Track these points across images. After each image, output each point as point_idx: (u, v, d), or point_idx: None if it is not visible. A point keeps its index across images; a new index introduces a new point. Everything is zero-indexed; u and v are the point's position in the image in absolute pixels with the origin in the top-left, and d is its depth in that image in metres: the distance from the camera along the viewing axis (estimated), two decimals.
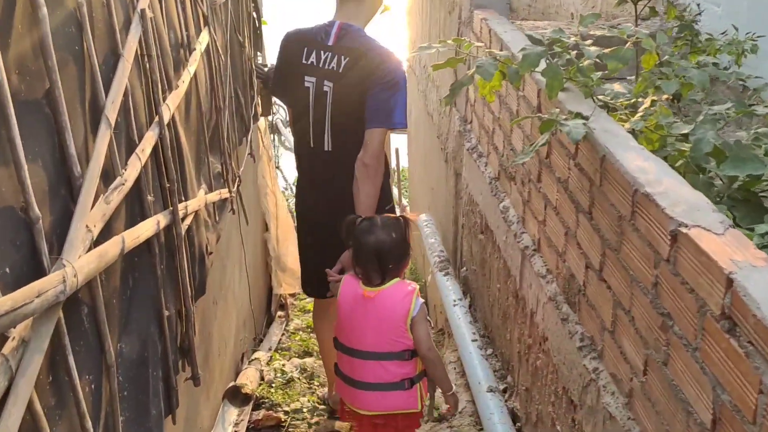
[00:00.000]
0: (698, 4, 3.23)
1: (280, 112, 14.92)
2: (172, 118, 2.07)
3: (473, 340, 3.18)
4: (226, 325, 3.63)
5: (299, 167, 3.27)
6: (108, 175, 1.53)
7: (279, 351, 4.67)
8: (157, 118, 1.84)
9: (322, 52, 2.96)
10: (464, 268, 3.86)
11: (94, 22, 1.53)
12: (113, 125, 1.50)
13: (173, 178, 1.96)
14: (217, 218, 2.83)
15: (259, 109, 5.07)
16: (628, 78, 2.63)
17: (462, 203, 3.79)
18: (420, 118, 5.53)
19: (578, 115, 1.88)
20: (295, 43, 3.06)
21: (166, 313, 1.89)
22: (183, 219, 2.11)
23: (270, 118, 5.60)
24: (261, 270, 5.23)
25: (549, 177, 2.30)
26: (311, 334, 5.21)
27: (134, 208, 1.73)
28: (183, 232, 2.07)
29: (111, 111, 1.49)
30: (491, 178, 3.09)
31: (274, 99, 4.99)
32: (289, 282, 5.22)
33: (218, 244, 3.44)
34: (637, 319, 1.62)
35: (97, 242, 1.39)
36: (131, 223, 1.67)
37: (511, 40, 2.80)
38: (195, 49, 2.52)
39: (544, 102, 2.31)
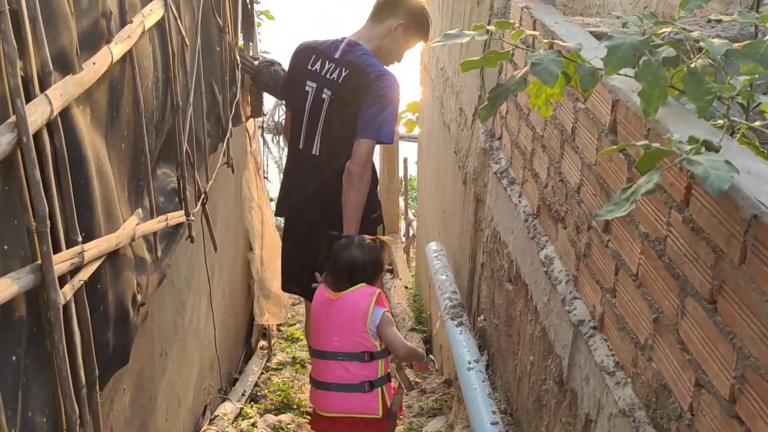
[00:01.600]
0: None
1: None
2: (66, 116, 1.35)
3: (493, 423, 2.44)
4: (183, 377, 2.91)
5: (286, 167, 3.39)
6: None
7: (252, 401, 3.93)
8: (12, 119, 1.12)
9: (327, 62, 3.09)
10: (482, 317, 3.13)
11: None
12: None
13: (43, 213, 1.23)
14: (159, 252, 2.11)
15: (246, 110, 4.35)
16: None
17: (483, 237, 3.06)
18: (434, 129, 4.80)
19: (705, 146, 1.15)
20: (305, 51, 3.20)
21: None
22: (77, 270, 1.39)
23: (264, 119, 4.87)
24: (242, 295, 4.51)
25: (626, 229, 1.57)
26: (296, 376, 4.47)
27: None
28: (65, 298, 1.34)
29: None
30: (528, 214, 2.36)
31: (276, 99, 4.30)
32: (273, 311, 4.49)
33: (177, 279, 2.73)
34: None
35: None
36: None
37: (566, 34, 2.07)
38: (131, 22, 1.80)
39: (623, 119, 1.58)
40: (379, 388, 2.71)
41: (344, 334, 2.66)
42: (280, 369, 4.74)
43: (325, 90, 3.05)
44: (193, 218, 2.48)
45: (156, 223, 2.02)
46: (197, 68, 2.71)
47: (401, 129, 8.19)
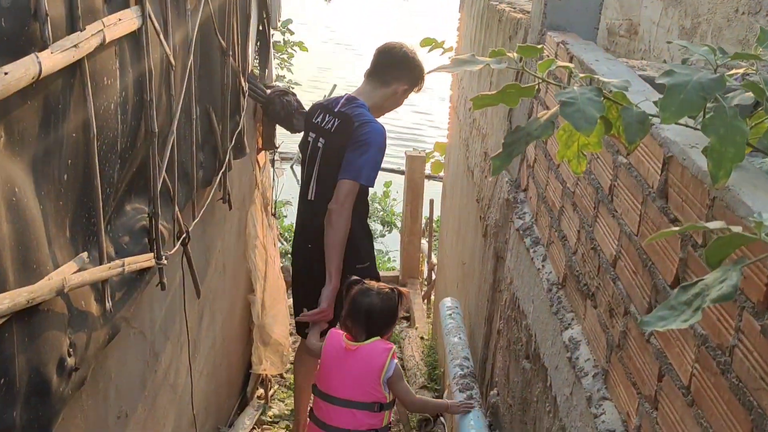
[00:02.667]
0: None
1: None
2: None
3: None
4: None
5: (297, 212, 3.60)
6: None
7: None
8: None
9: (327, 115, 3.33)
10: (495, 391, 2.75)
11: None
12: None
13: None
14: (111, 304, 1.77)
15: (258, 141, 4.06)
16: None
17: (501, 300, 2.69)
18: (458, 173, 4.46)
19: None
20: (315, 107, 3.46)
21: None
22: None
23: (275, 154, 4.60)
24: (239, 341, 4.17)
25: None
26: None
27: None
28: None
29: None
30: (552, 283, 1.99)
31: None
32: (272, 360, 4.14)
33: (149, 329, 2.40)
34: None
35: None
36: None
37: (608, 74, 1.73)
38: (83, 29, 1.50)
39: (677, 181, 1.23)
40: None
41: (359, 385, 2.75)
42: (277, 422, 4.38)
43: (321, 139, 3.30)
44: (165, 262, 2.16)
45: (104, 271, 1.70)
46: (188, 92, 2.41)
47: (427, 169, 7.88)
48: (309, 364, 3.52)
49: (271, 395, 4.58)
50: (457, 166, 4.53)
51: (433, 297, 7.31)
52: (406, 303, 3.02)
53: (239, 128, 3.15)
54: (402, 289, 2.98)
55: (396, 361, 2.79)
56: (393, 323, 2.90)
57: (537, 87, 1.17)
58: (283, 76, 9.97)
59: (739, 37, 3.21)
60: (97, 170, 1.64)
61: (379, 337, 2.80)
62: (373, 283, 2.90)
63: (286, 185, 12.96)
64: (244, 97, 3.28)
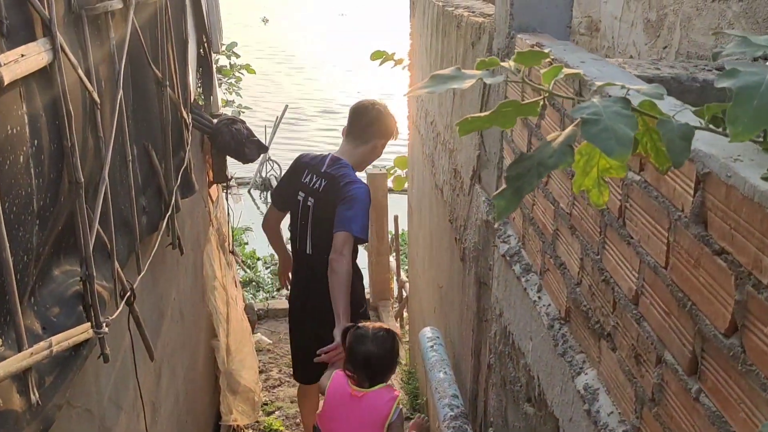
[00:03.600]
0: None
1: (275, 167, 13.79)
2: None
3: None
4: None
5: (293, 266, 3.85)
6: None
7: None
8: None
9: (314, 176, 3.57)
10: (491, 431, 2.50)
11: None
12: None
13: None
14: (36, 397, 1.47)
15: (209, 174, 3.77)
16: None
17: (490, 331, 2.44)
18: (425, 190, 4.22)
19: None
20: (302, 165, 3.68)
21: None
22: None
23: (254, 176, 4.32)
24: (205, 391, 3.85)
25: (734, 378, 0.96)
26: None
27: None
28: None
29: None
30: (552, 318, 1.74)
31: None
32: (242, 409, 3.83)
33: (96, 403, 2.10)
34: None
35: None
36: None
37: (599, 76, 1.49)
38: None
39: (720, 203, 0.99)
40: None
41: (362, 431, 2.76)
42: None
43: (310, 198, 3.54)
44: (106, 330, 1.87)
45: (24, 359, 1.40)
46: (120, 132, 2.12)
47: (389, 184, 7.63)
48: (311, 403, 3.81)
49: None
50: (423, 183, 4.29)
51: (405, 314, 7.07)
52: (401, 341, 3.09)
53: (185, 165, 2.86)
54: (395, 329, 3.02)
55: (401, 407, 2.83)
56: (394, 366, 2.89)
57: (542, 103, 0.92)
58: (233, 101, 9.67)
59: (711, 25, 3.04)
60: (5, 237, 1.35)
61: (384, 383, 2.82)
62: (368, 326, 2.90)
63: (245, 211, 12.66)
64: (188, 130, 2.99)
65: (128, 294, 2.14)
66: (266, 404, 5.14)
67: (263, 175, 13.82)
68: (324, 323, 3.31)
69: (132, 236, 2.27)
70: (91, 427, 2.10)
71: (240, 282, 9.54)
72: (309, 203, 3.54)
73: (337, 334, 3.15)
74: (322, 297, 3.34)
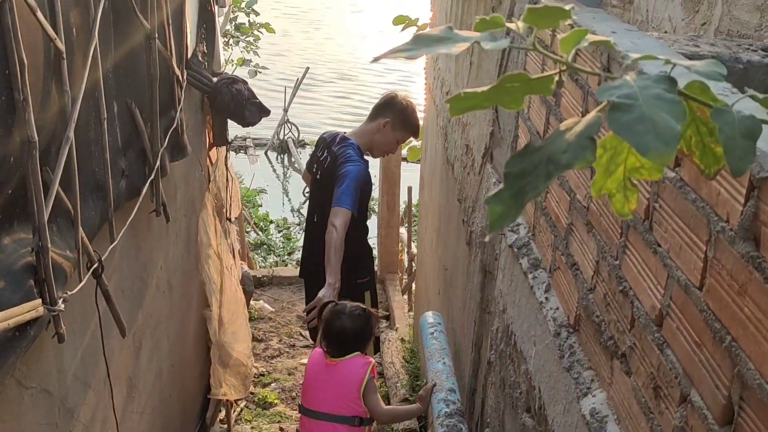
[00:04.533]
0: None
1: (293, 130, 13.55)
2: None
3: None
4: None
5: (304, 232, 4.13)
6: None
7: None
8: None
9: (325, 151, 3.74)
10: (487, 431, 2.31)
11: None
12: None
13: None
14: None
15: (209, 136, 3.57)
16: None
17: (492, 325, 2.24)
18: (436, 165, 3.99)
19: None
20: (321, 139, 3.86)
21: None
22: None
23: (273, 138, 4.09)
24: (194, 364, 3.69)
25: None
26: None
27: None
28: None
29: None
30: (560, 325, 1.53)
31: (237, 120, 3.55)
32: (232, 383, 3.66)
33: (57, 383, 1.93)
34: None
35: None
36: None
37: (633, 49, 1.26)
38: None
39: None
40: None
41: (339, 399, 2.82)
42: None
43: (319, 171, 3.74)
44: (62, 307, 1.68)
45: None
46: (93, 87, 1.91)
47: (404, 153, 7.37)
48: None
49: (237, 417, 4.12)
50: (435, 156, 4.06)
51: (414, 288, 6.86)
52: (376, 324, 3.10)
53: (175, 125, 2.65)
54: (371, 310, 3.07)
55: (375, 376, 2.90)
56: (367, 341, 2.97)
57: (558, 78, 0.70)
58: (250, 60, 9.42)
59: (756, 2, 2.76)
60: None
61: (358, 353, 2.88)
62: (346, 304, 2.99)
63: (259, 173, 12.47)
64: (181, 88, 2.78)
65: (95, 265, 1.95)
66: (263, 375, 4.99)
67: (281, 136, 13.60)
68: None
69: (105, 202, 2.07)
70: (48, 408, 1.93)
71: (250, 245, 9.41)
72: (318, 176, 3.75)
73: (322, 292, 3.30)
74: (322, 266, 3.43)
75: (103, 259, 1.98)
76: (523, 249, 1.86)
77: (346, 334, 2.86)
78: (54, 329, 1.72)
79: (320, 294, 3.30)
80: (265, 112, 3.56)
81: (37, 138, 1.54)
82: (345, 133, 3.82)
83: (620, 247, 1.24)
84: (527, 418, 1.74)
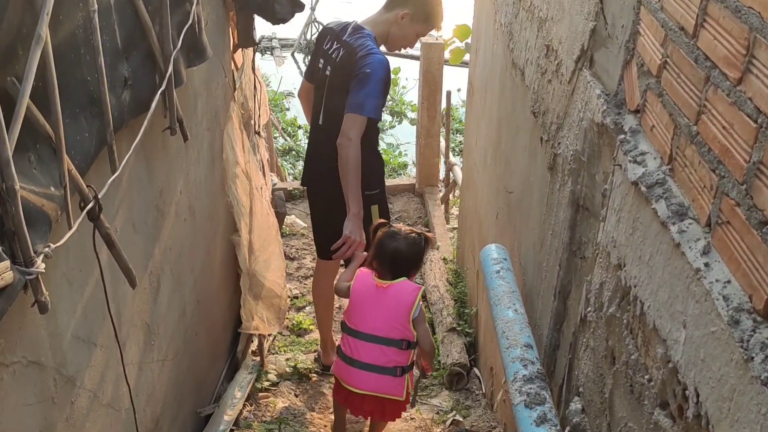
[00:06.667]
0: None
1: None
2: None
3: None
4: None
5: (309, 134, 3.62)
6: None
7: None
8: None
9: (334, 43, 3.27)
10: (577, 401, 1.89)
11: None
12: None
13: None
14: None
15: (233, 38, 3.07)
16: None
17: (593, 281, 1.78)
18: (495, 69, 3.44)
19: None
20: (325, 31, 3.39)
21: None
22: None
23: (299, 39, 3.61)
24: (224, 292, 3.31)
25: None
26: (296, 401, 3.32)
27: None
28: None
29: None
30: (737, 309, 1.07)
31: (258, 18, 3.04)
32: (265, 316, 3.29)
33: (49, 353, 1.53)
34: None
35: None
36: None
37: None
38: None
39: None
40: (407, 376, 2.86)
41: (390, 322, 2.80)
42: (277, 384, 3.59)
43: (328, 67, 3.26)
44: (41, 268, 1.26)
45: None
46: None
47: (446, 55, 6.75)
48: (327, 284, 3.53)
49: (269, 348, 3.78)
50: (493, 59, 3.51)
51: (452, 198, 6.40)
52: (431, 247, 3.07)
53: (190, 22, 2.15)
54: (428, 234, 3.01)
55: (422, 303, 2.87)
56: (418, 266, 2.96)
57: None
58: None
59: None
60: None
61: (405, 278, 2.85)
62: (401, 227, 2.97)
63: (287, 75, 11.89)
64: None
65: (90, 204, 1.51)
66: (296, 298, 4.64)
67: (308, 37, 12.91)
68: (331, 203, 3.25)
69: (102, 121, 1.61)
70: (40, 383, 1.54)
71: (278, 151, 8.95)
72: (327, 72, 3.28)
73: (348, 225, 3.11)
74: (329, 172, 3.18)
75: (101, 194, 1.53)
76: (657, 188, 1.38)
77: (400, 255, 2.85)
78: (33, 296, 1.29)
79: (345, 229, 3.10)
80: (298, 6, 3.04)
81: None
82: (357, 21, 3.35)
83: None
84: (662, 417, 1.30)
